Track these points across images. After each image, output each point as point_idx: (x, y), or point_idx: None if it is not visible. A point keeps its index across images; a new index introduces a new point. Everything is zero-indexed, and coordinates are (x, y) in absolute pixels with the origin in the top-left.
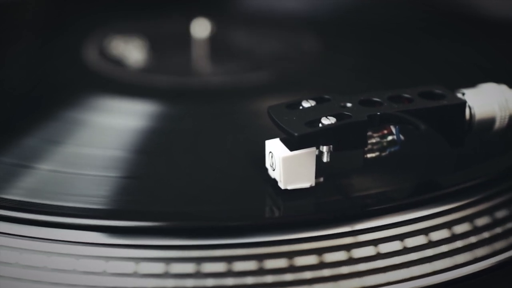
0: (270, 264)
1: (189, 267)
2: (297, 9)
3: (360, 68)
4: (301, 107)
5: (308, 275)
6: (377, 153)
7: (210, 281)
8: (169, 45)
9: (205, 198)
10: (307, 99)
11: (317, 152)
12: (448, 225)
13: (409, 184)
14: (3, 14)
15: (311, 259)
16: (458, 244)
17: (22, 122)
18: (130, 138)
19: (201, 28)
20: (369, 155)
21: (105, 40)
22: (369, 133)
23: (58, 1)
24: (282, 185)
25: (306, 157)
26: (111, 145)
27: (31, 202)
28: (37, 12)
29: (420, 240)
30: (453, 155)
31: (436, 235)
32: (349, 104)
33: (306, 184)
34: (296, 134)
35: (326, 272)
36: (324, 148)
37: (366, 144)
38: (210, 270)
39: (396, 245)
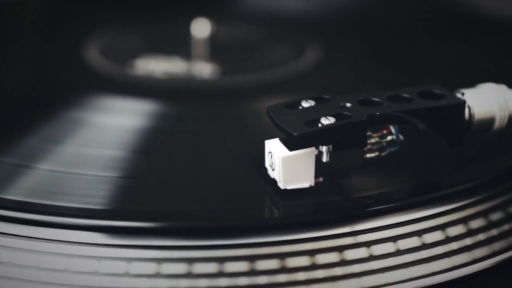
0: (263, 265)
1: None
2: (297, 9)
3: (360, 68)
4: (300, 107)
5: (302, 276)
6: (376, 153)
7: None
8: (169, 45)
9: (205, 198)
10: (306, 99)
11: (316, 152)
12: (447, 226)
13: (408, 184)
14: (3, 14)
15: (304, 260)
16: (461, 243)
17: (22, 122)
18: (129, 138)
19: (201, 28)
20: (368, 155)
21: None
22: (369, 133)
23: (58, 1)
24: (281, 185)
25: (306, 157)
26: (111, 145)
27: (31, 202)
28: (37, 12)
29: (419, 240)
30: (453, 155)
31: (434, 236)
32: (348, 104)
33: (305, 184)
34: (295, 134)
35: (322, 273)
36: (324, 148)
37: (366, 144)
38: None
39: (396, 246)
